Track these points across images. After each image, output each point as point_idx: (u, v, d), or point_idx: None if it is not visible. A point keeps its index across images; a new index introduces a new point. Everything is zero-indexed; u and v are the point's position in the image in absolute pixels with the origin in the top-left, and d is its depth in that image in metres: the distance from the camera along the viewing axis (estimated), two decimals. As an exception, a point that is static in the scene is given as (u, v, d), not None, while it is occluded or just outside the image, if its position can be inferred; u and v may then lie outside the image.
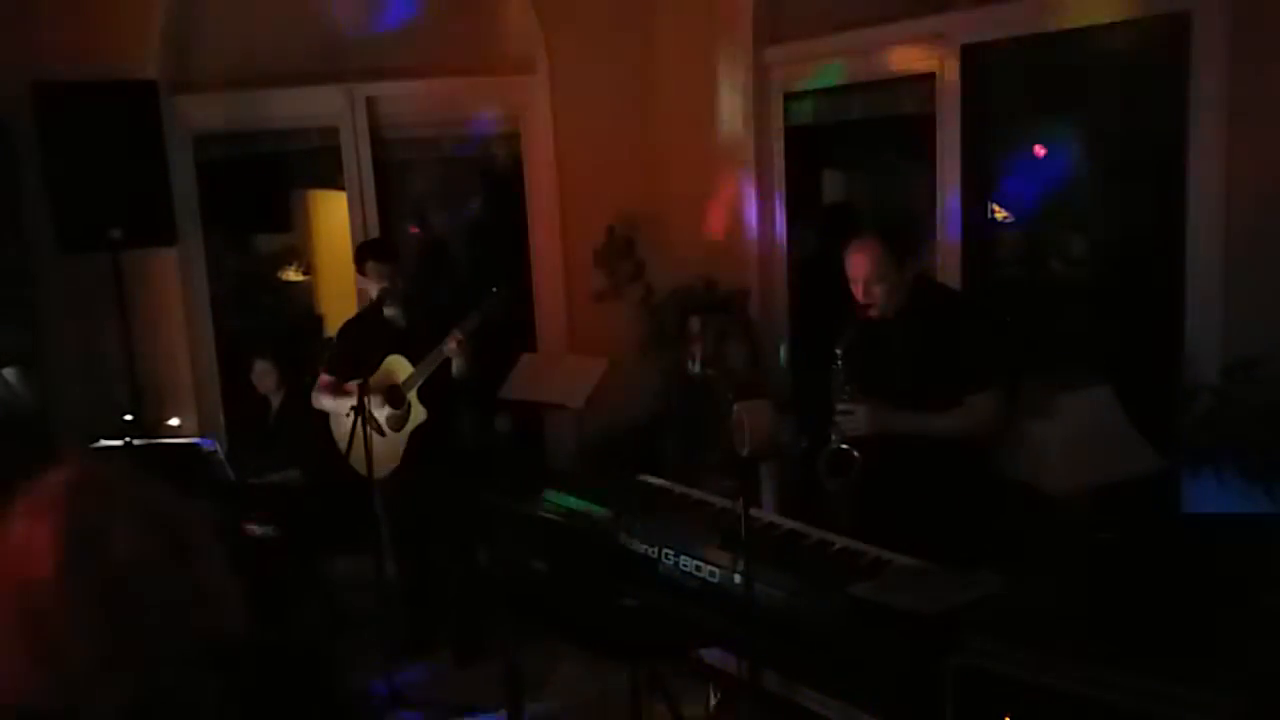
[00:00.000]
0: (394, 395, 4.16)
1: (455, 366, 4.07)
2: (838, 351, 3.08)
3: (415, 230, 6.30)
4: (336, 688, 1.43)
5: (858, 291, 3.12)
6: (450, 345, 4.01)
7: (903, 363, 3.14)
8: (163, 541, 1.19)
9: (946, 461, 3.05)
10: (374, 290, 4.24)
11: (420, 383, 4.10)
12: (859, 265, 3.11)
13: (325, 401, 4.29)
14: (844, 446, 3.04)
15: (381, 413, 4.16)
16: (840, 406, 3.07)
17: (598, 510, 3.03)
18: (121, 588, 1.15)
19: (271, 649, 1.34)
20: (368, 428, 3.85)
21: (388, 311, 4.21)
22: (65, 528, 1.16)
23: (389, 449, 4.17)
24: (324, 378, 4.33)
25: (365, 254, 4.33)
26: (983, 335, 3.16)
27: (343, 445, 4.03)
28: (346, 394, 4.12)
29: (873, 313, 3.12)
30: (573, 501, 3.10)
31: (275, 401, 4.76)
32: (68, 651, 1.13)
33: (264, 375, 4.72)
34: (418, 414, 4.13)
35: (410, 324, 4.23)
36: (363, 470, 3.88)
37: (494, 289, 4.12)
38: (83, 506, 1.18)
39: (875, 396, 3.07)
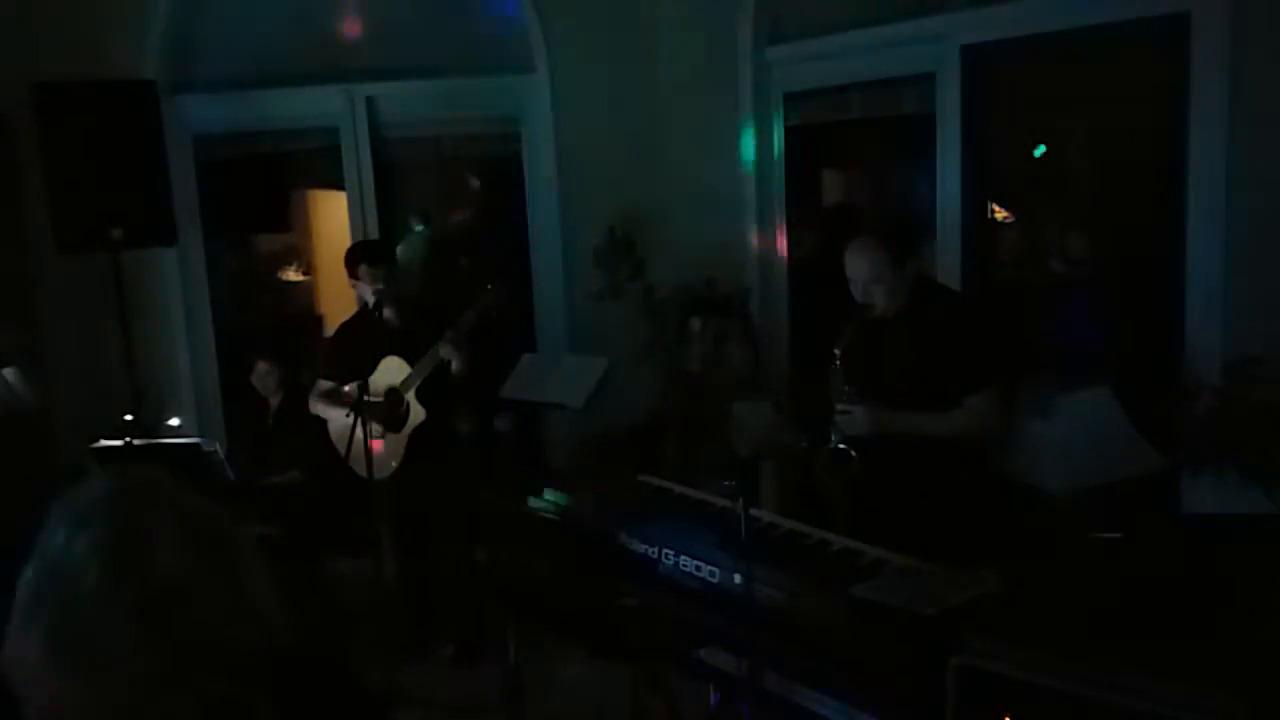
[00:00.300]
0: (392, 397, 4.16)
1: (454, 365, 4.07)
2: (836, 352, 3.07)
3: (420, 226, 6.30)
4: (375, 696, 1.40)
5: (856, 292, 3.12)
6: (446, 346, 4.00)
7: (901, 363, 3.13)
8: (207, 553, 1.14)
9: (945, 461, 3.05)
10: (368, 294, 4.21)
11: (418, 383, 4.10)
12: (857, 266, 3.10)
13: (321, 409, 4.27)
14: (842, 446, 3.04)
15: (378, 429, 4.13)
16: (839, 407, 3.07)
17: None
18: (167, 601, 1.09)
19: (317, 660, 1.30)
20: (368, 428, 3.84)
21: (385, 313, 4.21)
22: (109, 539, 1.10)
23: (390, 450, 4.17)
24: (321, 384, 4.32)
25: (357, 257, 4.27)
26: (981, 336, 3.15)
27: (341, 447, 4.03)
28: (343, 401, 4.11)
29: (871, 313, 3.12)
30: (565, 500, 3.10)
31: (274, 402, 4.76)
32: (113, 668, 1.08)
33: (265, 376, 4.72)
34: (416, 414, 4.12)
35: (406, 324, 4.22)
36: (362, 471, 3.88)
37: (489, 286, 4.12)
38: (127, 517, 1.13)
39: (874, 397, 3.07)
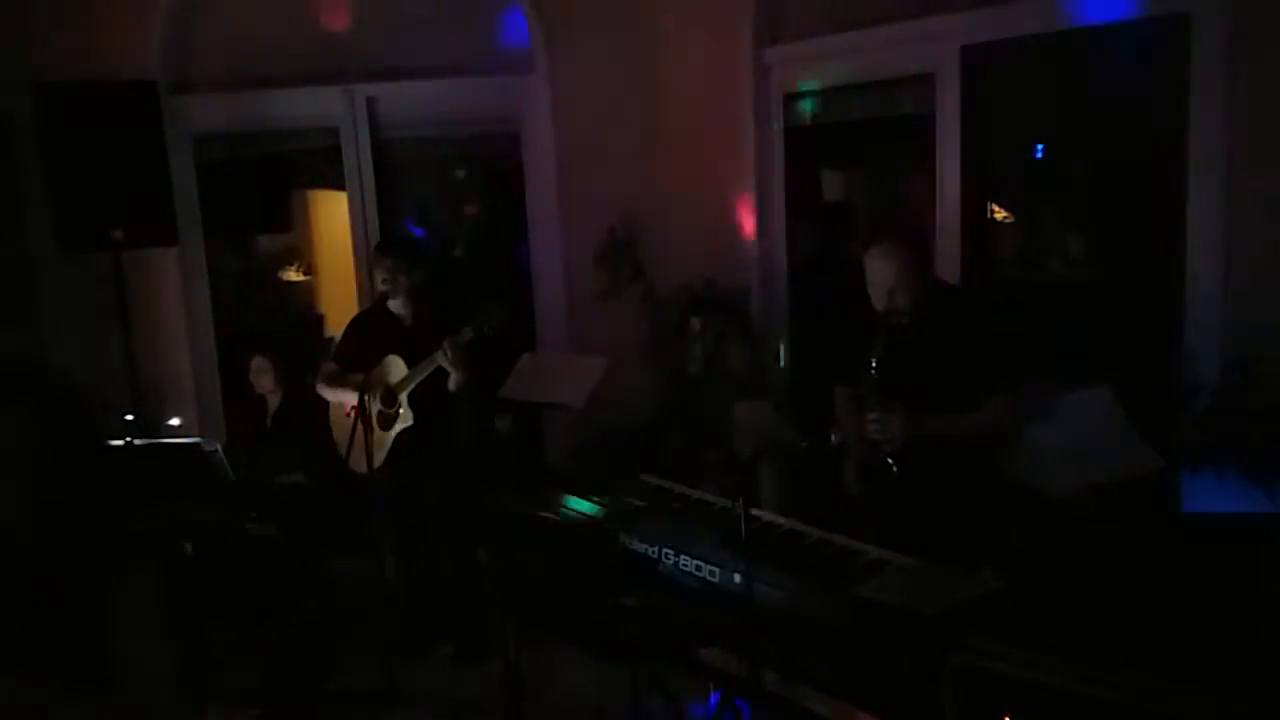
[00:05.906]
0: (388, 396, 4.16)
1: (452, 380, 4.04)
2: (873, 361, 2.97)
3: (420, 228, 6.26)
4: None
5: (876, 297, 3.02)
6: (444, 358, 3.98)
7: (929, 368, 3.06)
8: None
9: (967, 463, 3.01)
10: (379, 284, 4.23)
11: (413, 387, 4.09)
12: (884, 271, 2.99)
13: (326, 390, 4.28)
14: (889, 461, 2.97)
15: (374, 407, 4.15)
16: (872, 415, 2.99)
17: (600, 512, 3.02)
18: None
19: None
20: (368, 420, 3.84)
21: (395, 309, 4.21)
22: None
23: (377, 447, 4.15)
24: (328, 365, 4.31)
25: (374, 248, 4.39)
26: (1000, 338, 3.11)
27: (342, 446, 4.04)
28: (347, 387, 4.13)
29: (892, 319, 3.04)
30: (587, 507, 3.07)
31: (273, 403, 4.73)
32: None
33: (260, 373, 4.66)
34: (405, 417, 4.12)
35: (415, 324, 4.22)
36: (357, 464, 3.87)
37: (491, 304, 4.07)
38: None
39: (900, 402, 3.01)
